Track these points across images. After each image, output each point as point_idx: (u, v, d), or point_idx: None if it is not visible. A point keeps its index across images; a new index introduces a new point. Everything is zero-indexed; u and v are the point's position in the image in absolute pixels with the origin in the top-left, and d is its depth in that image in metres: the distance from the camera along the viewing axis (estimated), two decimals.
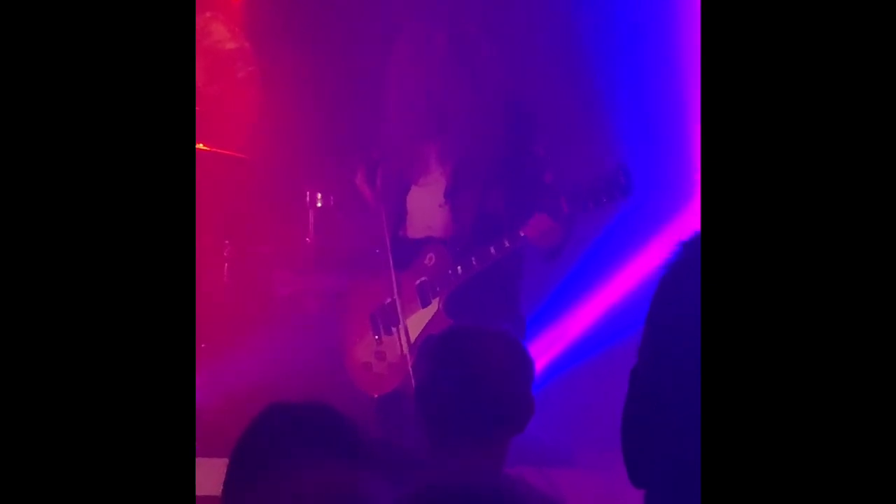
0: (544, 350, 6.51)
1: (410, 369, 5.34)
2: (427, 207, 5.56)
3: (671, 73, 6.72)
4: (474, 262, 5.35)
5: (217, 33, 7.12)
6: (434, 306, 5.48)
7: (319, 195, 6.27)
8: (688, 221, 6.50)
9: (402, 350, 5.44)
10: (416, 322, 5.54)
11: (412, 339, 5.48)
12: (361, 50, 6.45)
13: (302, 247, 6.34)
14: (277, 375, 5.98)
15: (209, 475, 2.85)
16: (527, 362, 3.51)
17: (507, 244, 5.27)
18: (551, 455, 5.99)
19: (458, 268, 5.37)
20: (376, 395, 5.54)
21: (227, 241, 6.55)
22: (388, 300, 5.49)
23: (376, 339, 5.58)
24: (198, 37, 6.90)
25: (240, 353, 6.27)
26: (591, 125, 6.74)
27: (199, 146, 6.46)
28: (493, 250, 5.29)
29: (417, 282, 5.53)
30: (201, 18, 6.99)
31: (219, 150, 6.61)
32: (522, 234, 5.24)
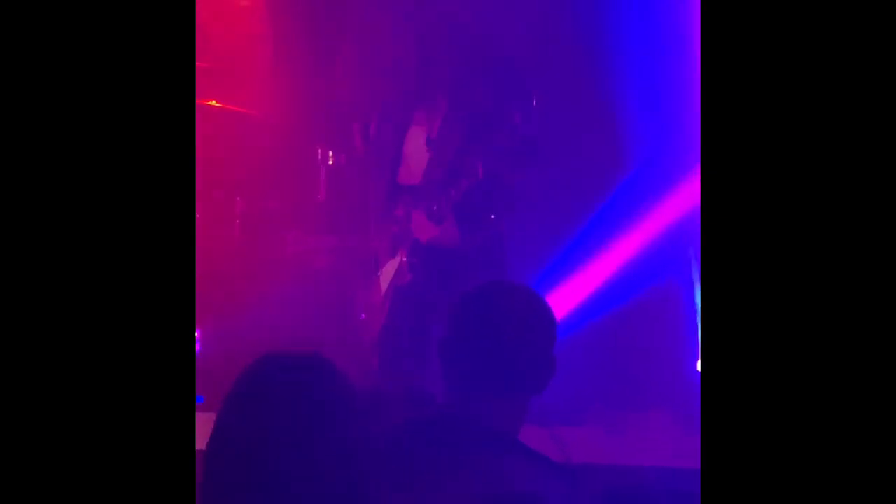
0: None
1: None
2: (415, 152, 5.69)
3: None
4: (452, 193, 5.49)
5: None
6: (398, 259, 5.64)
7: (331, 153, 6.30)
8: (690, 189, 6.55)
9: (379, 297, 5.60)
10: (388, 272, 5.70)
11: (383, 288, 5.63)
12: (372, 10, 6.52)
13: (312, 204, 6.40)
14: (283, 327, 6.03)
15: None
16: (550, 322, 3.40)
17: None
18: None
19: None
20: (367, 340, 5.67)
21: (238, 198, 6.59)
22: (374, 254, 5.67)
23: (364, 290, 5.76)
24: None
25: (249, 305, 6.34)
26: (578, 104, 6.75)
27: (211, 102, 6.52)
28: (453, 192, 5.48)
29: (390, 233, 5.70)
30: None
31: (229, 107, 6.66)
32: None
